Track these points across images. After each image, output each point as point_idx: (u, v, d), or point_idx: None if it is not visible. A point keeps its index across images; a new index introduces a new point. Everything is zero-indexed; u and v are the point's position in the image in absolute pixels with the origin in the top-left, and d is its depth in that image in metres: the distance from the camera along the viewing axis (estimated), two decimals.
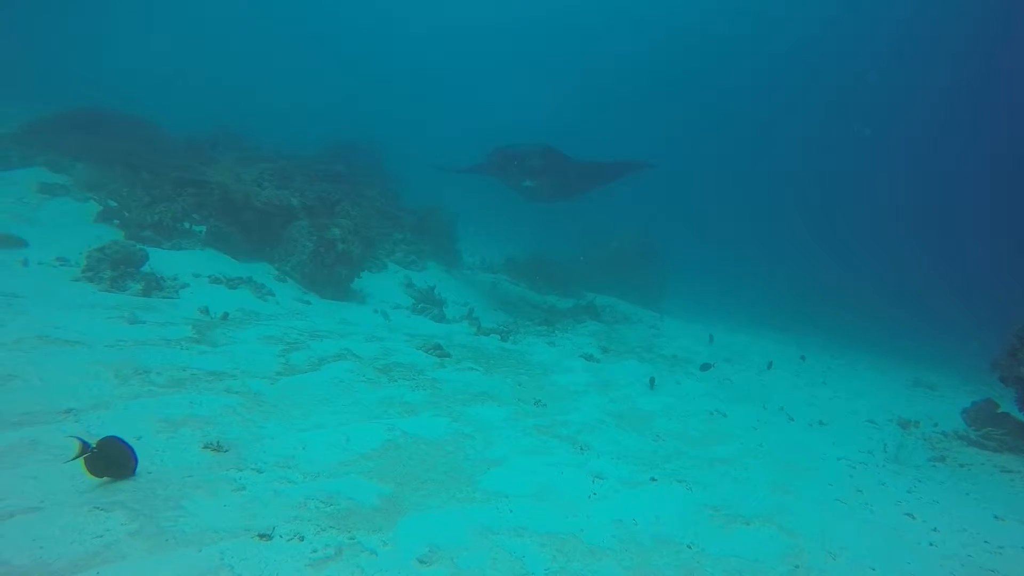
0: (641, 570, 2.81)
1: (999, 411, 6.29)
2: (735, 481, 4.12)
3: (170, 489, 2.73)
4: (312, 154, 12.82)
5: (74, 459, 2.57)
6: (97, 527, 2.35)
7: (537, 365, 6.54)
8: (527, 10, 46.54)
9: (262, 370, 4.55)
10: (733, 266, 23.10)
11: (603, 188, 10.14)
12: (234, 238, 7.85)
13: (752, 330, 13.64)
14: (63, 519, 2.36)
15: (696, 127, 45.63)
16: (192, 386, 3.96)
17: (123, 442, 2.73)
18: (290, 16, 46.69)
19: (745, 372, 8.51)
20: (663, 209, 26.25)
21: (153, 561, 2.23)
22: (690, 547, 3.09)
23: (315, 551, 2.47)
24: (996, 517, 4.06)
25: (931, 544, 3.53)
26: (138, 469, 2.79)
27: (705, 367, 7.91)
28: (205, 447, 3.18)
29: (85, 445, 2.60)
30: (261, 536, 2.49)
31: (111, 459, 2.68)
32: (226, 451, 3.19)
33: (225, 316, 5.77)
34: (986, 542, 3.63)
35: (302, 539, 2.53)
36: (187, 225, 7.78)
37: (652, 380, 6.50)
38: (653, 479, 3.88)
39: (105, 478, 2.67)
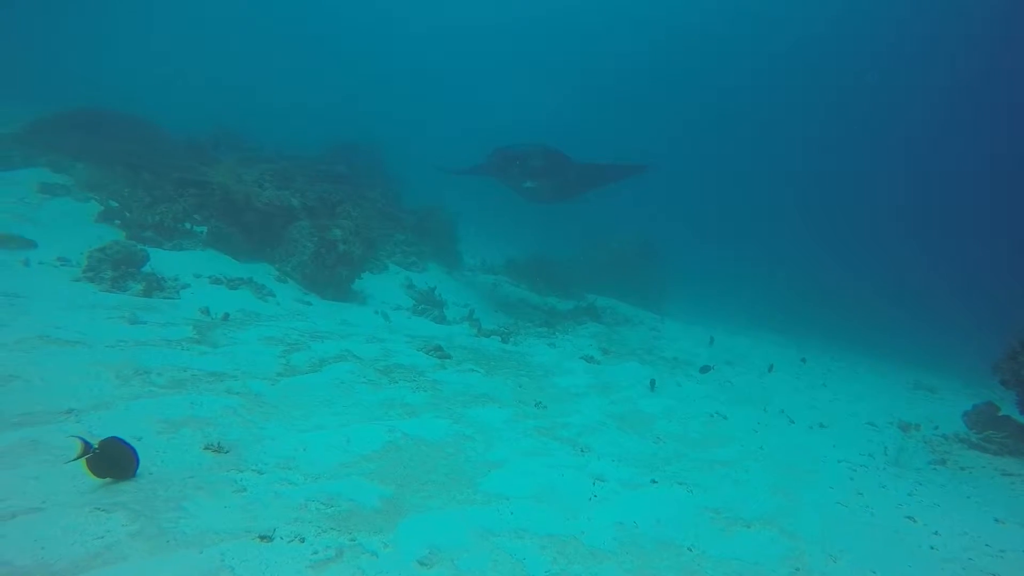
0: (642, 572, 2.81)
1: (1000, 414, 6.29)
2: (736, 483, 4.12)
3: (171, 490, 2.73)
4: (313, 155, 12.83)
5: (76, 459, 2.58)
6: (98, 528, 2.35)
7: (538, 367, 6.54)
8: (527, 10, 46.56)
9: (263, 371, 4.55)
10: (733, 266, 23.11)
11: (603, 189, 10.15)
12: (235, 239, 7.86)
13: (753, 332, 13.63)
14: (64, 520, 2.36)
15: (696, 127, 45.66)
16: (193, 387, 3.96)
17: (125, 443, 2.73)
18: (290, 16, 46.73)
19: (746, 374, 8.51)
20: (663, 209, 26.31)
21: (154, 562, 2.23)
22: (691, 549, 3.09)
23: (316, 552, 2.48)
24: (997, 520, 4.06)
25: (932, 547, 3.53)
26: (139, 470, 2.80)
27: (704, 369, 7.91)
28: (206, 448, 3.18)
29: (87, 446, 2.60)
30: (262, 537, 2.49)
31: (113, 460, 2.68)
32: (227, 452, 3.19)
33: (226, 317, 5.77)
34: (987, 545, 3.63)
35: (303, 540, 2.53)
36: (188, 226, 7.78)
37: (653, 382, 6.49)
38: (654, 481, 3.88)
39: (107, 479, 2.68)
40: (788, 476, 4.44)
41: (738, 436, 5.29)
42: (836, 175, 42.61)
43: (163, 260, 6.67)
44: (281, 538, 2.52)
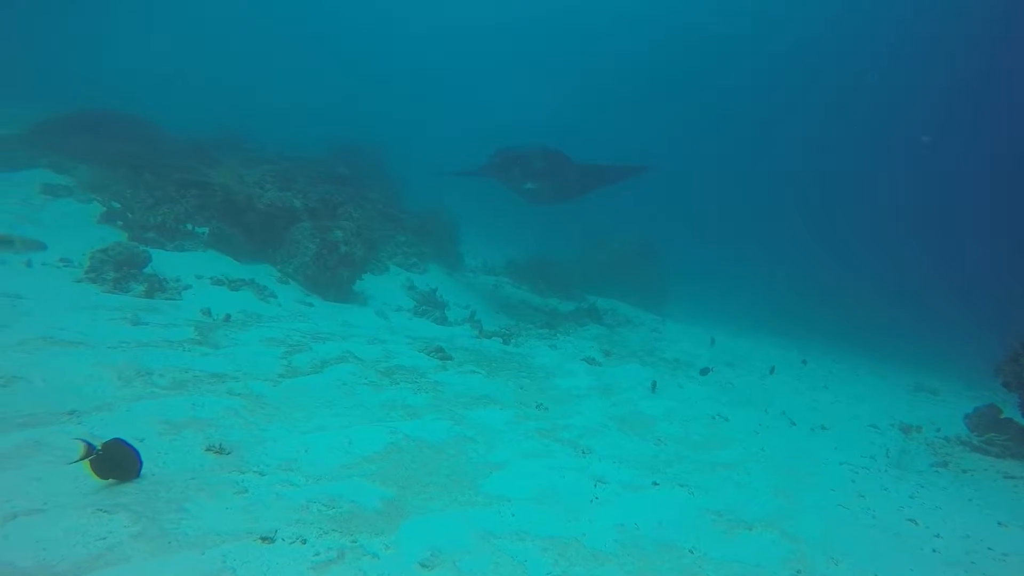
0: (643, 575, 2.81)
1: (1002, 416, 6.28)
2: (737, 486, 4.12)
3: (173, 491, 2.73)
4: (314, 156, 12.84)
5: (80, 461, 2.58)
6: (100, 529, 2.36)
7: (539, 368, 6.54)
8: (527, 10, 46.53)
9: (264, 372, 4.56)
10: (733, 266, 23.09)
11: (604, 190, 10.15)
12: (237, 240, 7.86)
13: (754, 334, 13.62)
14: (66, 521, 2.37)
15: (696, 127, 45.62)
16: (194, 388, 3.97)
17: (128, 444, 2.74)
18: (290, 16, 46.74)
19: (747, 376, 8.50)
20: (663, 209, 26.28)
21: (156, 564, 2.23)
22: (692, 552, 3.09)
23: (317, 554, 2.48)
24: (999, 523, 4.05)
25: (934, 550, 3.53)
26: (141, 471, 2.80)
27: (704, 371, 7.90)
28: (207, 449, 3.19)
29: (91, 447, 2.60)
30: (263, 539, 2.50)
31: (116, 461, 2.69)
32: (228, 453, 3.19)
33: (227, 318, 5.77)
34: (989, 549, 3.63)
35: (304, 542, 2.54)
36: (190, 227, 7.79)
37: (654, 384, 6.49)
38: (655, 483, 3.88)
39: (110, 480, 2.68)
40: (789, 478, 4.44)
41: (739, 438, 5.29)
42: (836, 175, 42.60)
43: (165, 261, 6.67)
44: (283, 539, 2.52)
